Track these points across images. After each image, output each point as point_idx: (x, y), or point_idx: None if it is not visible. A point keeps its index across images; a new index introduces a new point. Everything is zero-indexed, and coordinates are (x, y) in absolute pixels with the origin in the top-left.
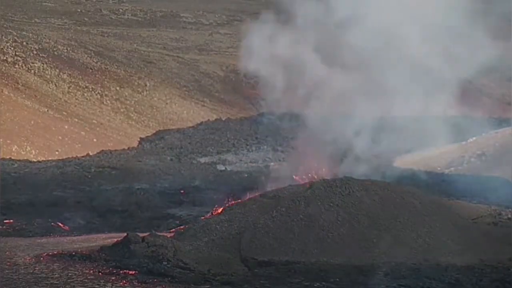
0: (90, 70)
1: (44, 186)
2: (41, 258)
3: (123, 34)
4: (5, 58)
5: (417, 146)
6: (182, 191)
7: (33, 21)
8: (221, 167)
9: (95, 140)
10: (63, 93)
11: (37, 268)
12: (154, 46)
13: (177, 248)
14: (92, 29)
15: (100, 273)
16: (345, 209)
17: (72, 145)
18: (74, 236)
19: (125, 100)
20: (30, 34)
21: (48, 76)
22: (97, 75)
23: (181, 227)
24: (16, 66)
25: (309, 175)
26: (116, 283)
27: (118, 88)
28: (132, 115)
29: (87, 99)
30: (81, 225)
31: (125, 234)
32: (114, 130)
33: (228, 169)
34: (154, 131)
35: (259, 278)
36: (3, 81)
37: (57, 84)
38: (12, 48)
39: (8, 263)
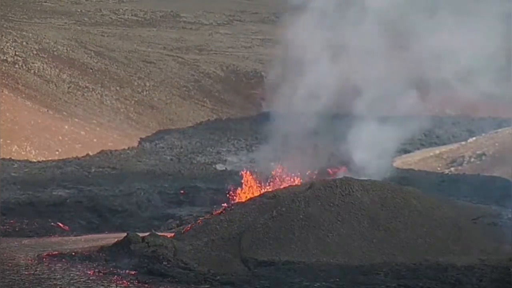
0: (90, 70)
1: (44, 186)
2: (43, 259)
3: (123, 34)
4: (5, 58)
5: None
6: (182, 191)
7: (33, 21)
8: (221, 167)
9: (95, 140)
10: (63, 93)
11: (38, 269)
12: (154, 46)
13: (177, 248)
14: (92, 29)
15: (101, 273)
16: (345, 209)
17: (72, 145)
18: (74, 236)
19: (125, 100)
20: (30, 34)
21: (48, 76)
22: (97, 75)
23: (181, 227)
24: (16, 66)
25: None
26: (119, 285)
27: (118, 88)
28: (132, 115)
29: (87, 99)
30: (81, 225)
31: (125, 234)
32: (114, 130)
33: (228, 169)
34: (154, 131)
35: (259, 278)
36: (3, 81)
37: (57, 84)
38: (12, 48)
39: (9, 264)
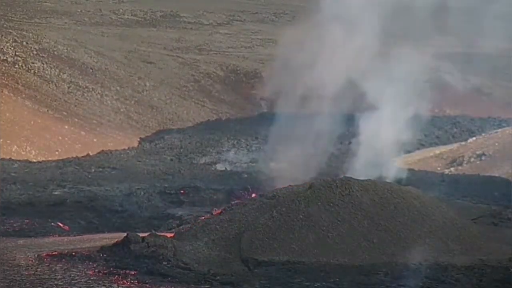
0: (90, 70)
1: (44, 186)
2: (43, 259)
3: (123, 34)
4: (5, 58)
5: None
6: (182, 191)
7: (33, 21)
8: (221, 167)
9: (95, 140)
10: (63, 93)
11: (39, 269)
12: (154, 46)
13: (177, 248)
14: (92, 29)
15: (101, 274)
16: (345, 209)
17: (72, 145)
18: (74, 236)
19: (125, 100)
20: (30, 34)
21: (48, 76)
22: (97, 75)
23: (181, 227)
24: (16, 66)
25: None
26: (120, 285)
27: (118, 88)
28: (132, 115)
29: (87, 99)
30: (81, 225)
31: (125, 234)
32: (114, 130)
33: (228, 169)
34: (154, 131)
35: (259, 278)
36: (3, 81)
37: (57, 84)
38: (12, 48)
39: (10, 264)
